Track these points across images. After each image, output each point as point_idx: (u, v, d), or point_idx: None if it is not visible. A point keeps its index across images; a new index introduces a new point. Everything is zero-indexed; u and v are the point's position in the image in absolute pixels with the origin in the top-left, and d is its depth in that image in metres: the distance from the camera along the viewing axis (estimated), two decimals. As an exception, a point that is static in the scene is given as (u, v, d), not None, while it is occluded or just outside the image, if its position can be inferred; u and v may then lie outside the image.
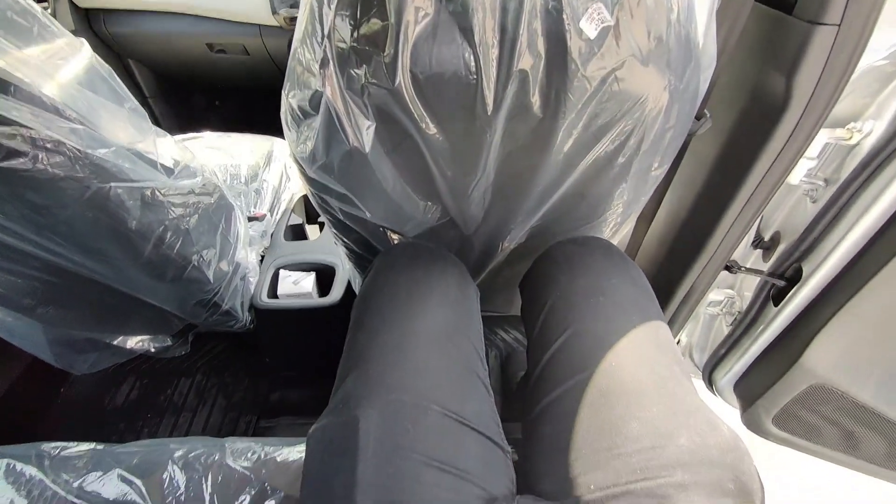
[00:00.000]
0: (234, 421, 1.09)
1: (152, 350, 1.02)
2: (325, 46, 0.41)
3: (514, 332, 1.24)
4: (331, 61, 0.41)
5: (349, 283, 1.02)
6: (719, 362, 0.85)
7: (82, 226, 0.61)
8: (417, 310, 0.53)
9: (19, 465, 0.59)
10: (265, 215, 1.13)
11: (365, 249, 0.72)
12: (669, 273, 0.81)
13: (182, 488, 0.58)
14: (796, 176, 0.65)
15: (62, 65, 0.56)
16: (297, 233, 1.21)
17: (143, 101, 1.73)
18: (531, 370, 0.56)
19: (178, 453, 0.62)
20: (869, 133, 0.58)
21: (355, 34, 0.40)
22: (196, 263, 0.81)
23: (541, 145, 0.50)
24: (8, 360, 1.04)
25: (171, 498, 0.58)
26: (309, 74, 0.45)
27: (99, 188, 0.58)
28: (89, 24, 1.52)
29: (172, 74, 1.76)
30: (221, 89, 1.95)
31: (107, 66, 0.60)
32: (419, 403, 0.45)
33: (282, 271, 1.04)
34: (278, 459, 0.62)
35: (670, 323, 0.87)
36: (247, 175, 1.16)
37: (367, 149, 0.46)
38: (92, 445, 0.64)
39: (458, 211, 0.60)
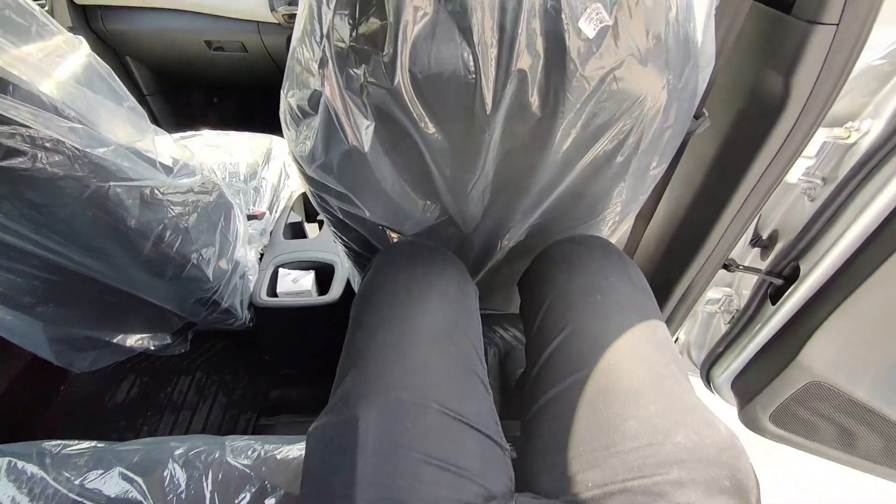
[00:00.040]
0: (233, 419, 1.09)
1: (152, 348, 1.02)
2: (324, 46, 0.41)
3: (512, 329, 1.24)
4: (329, 61, 0.41)
5: (348, 282, 1.03)
6: (717, 360, 0.86)
7: (81, 224, 0.61)
8: (416, 308, 0.53)
9: (21, 464, 0.59)
10: (264, 213, 1.14)
11: (364, 248, 0.72)
12: (668, 271, 0.81)
13: (183, 486, 0.59)
14: (794, 174, 0.65)
15: (61, 63, 0.56)
16: (296, 231, 1.21)
17: (141, 99, 1.73)
18: (529, 368, 0.56)
19: (178, 451, 0.62)
20: (867, 132, 0.58)
21: (354, 34, 0.40)
22: (195, 262, 0.81)
23: (539, 144, 0.50)
24: (8, 359, 1.04)
25: (171, 496, 0.58)
26: (308, 74, 0.45)
27: (98, 187, 0.58)
28: (87, 20, 1.52)
29: (170, 72, 1.75)
30: (220, 87, 1.94)
31: (105, 65, 0.60)
32: (418, 402, 0.45)
33: (281, 269, 1.05)
34: (278, 457, 0.63)
35: (668, 321, 0.87)
36: (246, 173, 1.16)
37: (366, 148, 0.47)
38: (93, 443, 0.65)
39: (457, 209, 0.60)
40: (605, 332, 0.51)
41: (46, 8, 1.40)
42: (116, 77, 0.61)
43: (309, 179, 0.55)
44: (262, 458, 0.63)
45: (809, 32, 0.47)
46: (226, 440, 0.66)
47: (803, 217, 0.67)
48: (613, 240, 0.74)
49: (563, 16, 0.38)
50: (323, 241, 1.11)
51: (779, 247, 0.73)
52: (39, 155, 0.51)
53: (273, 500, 0.58)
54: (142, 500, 0.58)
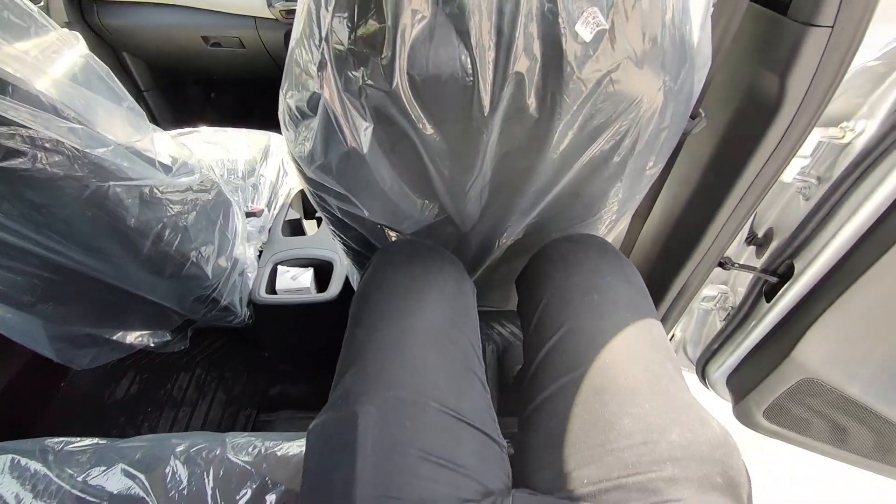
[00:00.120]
0: (233, 415, 1.10)
1: (152, 345, 1.03)
2: (323, 49, 0.41)
3: (510, 326, 1.25)
4: (328, 64, 0.41)
5: (347, 279, 1.03)
6: (712, 356, 0.87)
7: (81, 224, 0.62)
8: (415, 306, 0.53)
9: (24, 460, 0.60)
10: (263, 211, 1.14)
11: (363, 246, 0.72)
12: (664, 269, 0.82)
13: (184, 482, 0.60)
14: (790, 174, 0.65)
15: (60, 63, 0.56)
16: (294, 228, 1.21)
17: (138, 95, 1.72)
18: (527, 366, 0.57)
19: (180, 448, 0.63)
20: (861, 132, 0.59)
21: (353, 36, 0.40)
22: (195, 260, 0.82)
23: (537, 145, 0.50)
24: (8, 356, 1.05)
25: (173, 492, 0.59)
26: (307, 76, 0.45)
27: (98, 187, 0.58)
28: (83, 15, 1.51)
29: (167, 67, 1.75)
30: (217, 82, 1.93)
31: (104, 65, 0.60)
32: (417, 400, 0.46)
33: (280, 267, 1.05)
34: (279, 454, 0.63)
35: (664, 319, 0.88)
36: (244, 170, 1.16)
37: (365, 149, 0.47)
38: (95, 440, 0.65)
39: (456, 209, 0.61)
40: (601, 331, 0.51)
41: (42, 3, 1.39)
42: (115, 77, 0.61)
43: (308, 180, 0.56)
44: (263, 454, 0.63)
45: (805, 34, 0.47)
46: (226, 437, 0.67)
47: (798, 216, 0.67)
48: (610, 238, 0.74)
49: (560, 20, 0.38)
50: (321, 239, 1.11)
51: (774, 245, 0.73)
52: (39, 155, 0.51)
53: (274, 497, 0.59)
54: (144, 496, 0.58)
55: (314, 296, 1.01)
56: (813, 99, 0.52)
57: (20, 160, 0.50)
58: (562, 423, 0.47)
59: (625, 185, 0.60)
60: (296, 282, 1.01)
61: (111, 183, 0.59)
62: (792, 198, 0.72)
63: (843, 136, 0.60)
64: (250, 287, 1.03)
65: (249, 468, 0.62)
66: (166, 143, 0.69)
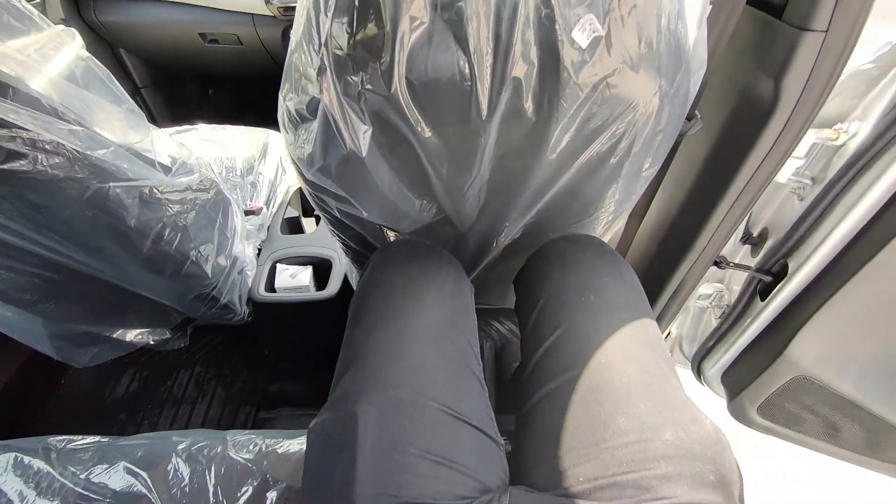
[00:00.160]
0: (233, 412, 1.10)
1: (151, 343, 1.03)
2: (322, 54, 0.41)
3: (508, 323, 1.26)
4: (328, 69, 0.42)
5: (346, 277, 1.04)
6: (708, 354, 0.88)
7: (82, 224, 0.62)
8: (413, 306, 0.54)
9: (27, 459, 0.61)
10: (262, 209, 1.14)
11: (362, 246, 0.73)
12: (660, 268, 0.82)
13: (186, 480, 0.60)
14: (784, 174, 0.66)
15: (58, 62, 0.56)
16: (293, 226, 1.22)
17: (135, 92, 1.71)
18: (524, 365, 0.58)
19: (181, 446, 0.64)
20: (855, 134, 0.59)
21: (352, 41, 0.41)
22: (194, 259, 0.82)
23: (534, 147, 0.51)
24: (8, 354, 1.05)
25: (175, 489, 0.59)
26: (306, 81, 0.45)
27: (98, 188, 0.58)
28: (79, 12, 1.50)
29: (165, 64, 1.74)
30: (215, 79, 1.93)
31: (104, 68, 0.60)
32: (416, 400, 0.46)
33: (279, 265, 1.05)
34: (279, 451, 0.64)
35: (660, 317, 0.89)
36: (242, 168, 1.16)
37: (364, 153, 0.47)
38: (97, 438, 0.66)
39: (454, 209, 0.61)
40: (597, 330, 0.52)
41: (38, 0, 1.39)
42: (115, 79, 0.61)
43: (308, 182, 0.56)
44: (264, 452, 0.64)
45: (799, 38, 0.48)
46: (227, 434, 0.67)
47: (792, 216, 0.68)
48: (607, 237, 0.75)
49: (557, 26, 0.39)
50: (320, 237, 1.12)
51: (768, 244, 0.74)
52: (40, 157, 0.52)
53: (274, 494, 0.60)
54: (146, 493, 0.59)
55: (313, 294, 1.01)
56: (807, 102, 0.52)
57: (21, 162, 0.51)
58: (558, 421, 0.48)
59: (621, 186, 0.60)
60: (295, 280, 1.02)
61: (111, 184, 0.59)
62: (786, 198, 0.72)
63: (837, 138, 0.61)
64: (249, 285, 1.03)
65: (250, 465, 0.62)
66: (166, 144, 0.70)
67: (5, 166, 0.50)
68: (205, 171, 0.79)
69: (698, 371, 0.92)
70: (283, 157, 1.27)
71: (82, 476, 0.60)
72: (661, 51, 0.44)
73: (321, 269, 1.07)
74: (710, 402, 0.87)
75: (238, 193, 1.12)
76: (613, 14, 0.39)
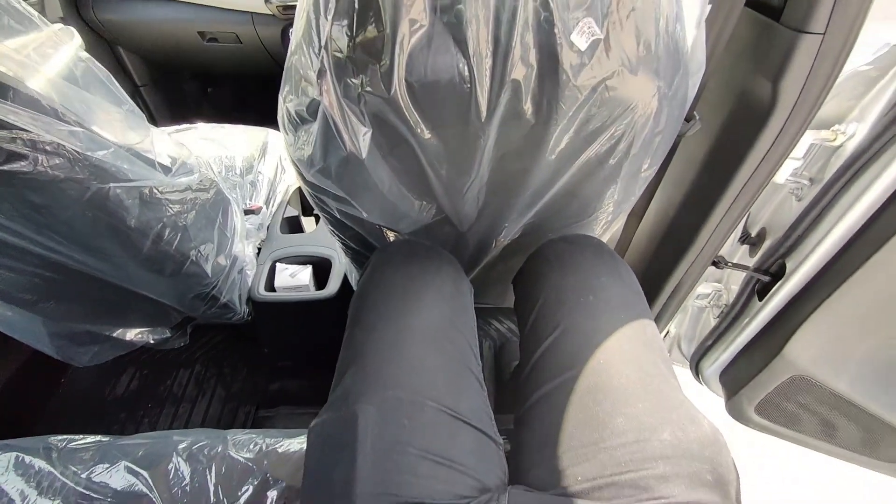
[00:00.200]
0: (233, 411, 1.11)
1: (151, 341, 1.03)
2: (322, 57, 0.42)
3: (507, 322, 1.26)
4: (328, 71, 0.42)
5: (345, 276, 1.04)
6: (706, 353, 0.88)
7: (82, 225, 0.62)
8: (413, 306, 0.54)
9: (28, 458, 0.61)
10: (261, 208, 1.14)
11: (361, 246, 0.73)
12: (659, 268, 0.83)
13: (187, 479, 0.61)
14: (782, 175, 0.66)
15: (58, 61, 0.56)
16: (292, 225, 1.22)
17: (135, 90, 1.71)
18: (523, 365, 0.58)
19: (182, 445, 0.64)
20: (852, 135, 0.60)
21: (352, 44, 0.41)
22: (194, 258, 0.82)
23: (533, 149, 0.51)
24: (8, 354, 1.05)
25: (176, 488, 0.60)
26: (306, 83, 0.45)
27: (98, 189, 0.58)
28: (78, 10, 1.50)
29: (164, 63, 1.74)
30: (214, 78, 1.92)
31: (104, 69, 0.60)
32: (415, 400, 0.47)
33: (278, 264, 1.06)
34: (279, 451, 0.64)
35: (659, 317, 0.89)
36: (242, 167, 1.16)
37: (364, 154, 0.48)
38: (97, 438, 0.66)
39: (453, 209, 0.62)
40: (596, 331, 0.52)
41: (36, -2, 1.38)
42: (115, 80, 0.61)
43: (307, 182, 0.56)
44: (264, 451, 0.64)
45: (797, 40, 0.48)
46: (228, 434, 0.68)
47: (790, 216, 0.68)
48: (606, 237, 0.75)
49: (556, 30, 0.39)
50: (320, 236, 1.12)
51: (766, 244, 0.75)
52: (40, 158, 0.52)
53: (275, 493, 0.60)
54: (147, 492, 0.60)
55: (313, 293, 1.01)
56: (805, 104, 0.52)
57: (22, 163, 0.51)
58: (557, 421, 0.48)
59: (620, 187, 0.61)
60: (294, 279, 1.02)
61: (111, 185, 0.59)
62: (784, 198, 0.73)
63: (835, 139, 0.61)
64: (249, 284, 1.03)
65: (251, 465, 0.63)
66: (165, 144, 0.70)
67: (6, 167, 0.50)
68: (204, 170, 0.80)
69: (696, 370, 0.92)
70: (282, 156, 1.27)
71: (83, 475, 0.60)
72: (660, 53, 0.44)
73: (321, 269, 1.07)
74: (708, 401, 0.87)
75: (238, 192, 1.12)
76: (612, 17, 0.40)
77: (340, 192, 0.55)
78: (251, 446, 0.65)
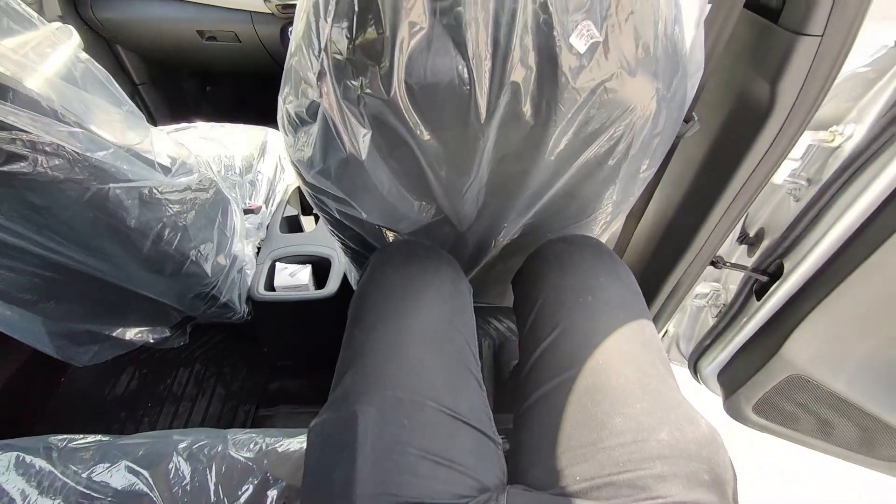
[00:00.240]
0: (233, 410, 1.11)
1: (151, 341, 1.04)
2: (322, 59, 0.42)
3: (506, 321, 1.26)
4: (328, 73, 0.42)
5: (345, 276, 1.04)
6: (704, 352, 0.88)
7: (82, 225, 0.62)
8: (412, 307, 0.54)
9: (28, 458, 0.61)
10: (261, 207, 1.14)
11: (361, 246, 0.73)
12: (657, 269, 0.83)
13: (187, 478, 0.61)
14: (780, 176, 0.67)
15: (56, 61, 0.56)
16: (292, 224, 1.22)
17: (133, 89, 1.71)
18: (522, 365, 0.58)
19: (182, 445, 0.64)
20: (850, 136, 0.60)
21: (351, 46, 0.41)
22: (194, 258, 0.82)
23: (532, 150, 0.51)
24: (8, 354, 1.05)
25: (176, 488, 0.60)
26: (306, 85, 0.45)
27: (98, 189, 0.58)
28: (76, 9, 1.50)
29: (162, 61, 1.73)
30: (213, 76, 1.92)
31: (104, 69, 0.60)
32: (415, 400, 0.47)
33: (278, 264, 1.06)
34: (279, 450, 0.65)
35: (657, 317, 0.90)
36: (241, 166, 1.16)
37: (363, 155, 0.48)
38: (98, 437, 0.66)
39: (453, 210, 0.62)
40: (594, 331, 0.53)
41: (35, -4, 1.38)
42: (114, 81, 0.61)
43: (307, 184, 0.56)
44: (264, 451, 0.65)
45: (795, 42, 0.48)
46: (228, 433, 0.68)
47: (788, 216, 0.69)
48: (605, 238, 0.75)
49: (555, 32, 0.39)
50: (319, 236, 1.12)
51: (765, 244, 0.75)
52: (40, 159, 0.52)
53: (275, 492, 0.61)
54: (148, 492, 0.60)
55: (312, 292, 1.02)
56: (803, 105, 0.53)
57: (21, 164, 0.51)
58: (555, 421, 0.48)
59: (619, 188, 0.61)
60: (294, 278, 1.02)
61: (111, 185, 0.60)
62: (783, 199, 0.73)
63: (833, 140, 0.61)
64: (249, 284, 1.03)
65: (251, 464, 0.63)
66: (165, 144, 0.70)
67: (6, 168, 0.50)
68: (204, 170, 0.80)
69: (695, 369, 0.93)
70: (281, 155, 1.27)
71: (84, 475, 0.60)
72: (659, 55, 0.44)
73: (320, 268, 1.07)
74: (706, 400, 0.88)
75: (237, 192, 1.12)
76: (611, 20, 0.40)
77: (340, 194, 0.55)
78: (251, 446, 0.65)
